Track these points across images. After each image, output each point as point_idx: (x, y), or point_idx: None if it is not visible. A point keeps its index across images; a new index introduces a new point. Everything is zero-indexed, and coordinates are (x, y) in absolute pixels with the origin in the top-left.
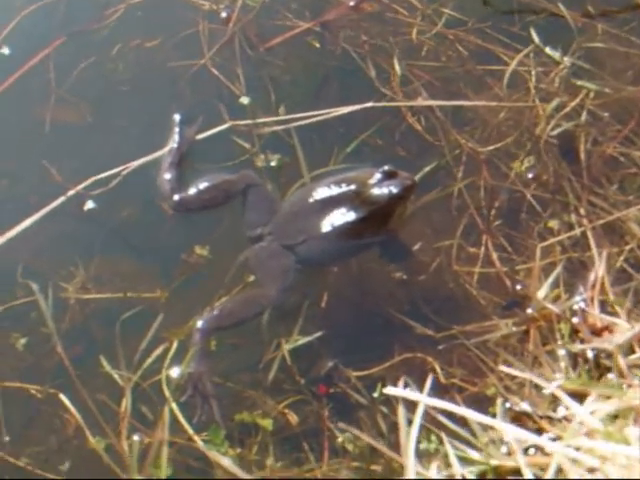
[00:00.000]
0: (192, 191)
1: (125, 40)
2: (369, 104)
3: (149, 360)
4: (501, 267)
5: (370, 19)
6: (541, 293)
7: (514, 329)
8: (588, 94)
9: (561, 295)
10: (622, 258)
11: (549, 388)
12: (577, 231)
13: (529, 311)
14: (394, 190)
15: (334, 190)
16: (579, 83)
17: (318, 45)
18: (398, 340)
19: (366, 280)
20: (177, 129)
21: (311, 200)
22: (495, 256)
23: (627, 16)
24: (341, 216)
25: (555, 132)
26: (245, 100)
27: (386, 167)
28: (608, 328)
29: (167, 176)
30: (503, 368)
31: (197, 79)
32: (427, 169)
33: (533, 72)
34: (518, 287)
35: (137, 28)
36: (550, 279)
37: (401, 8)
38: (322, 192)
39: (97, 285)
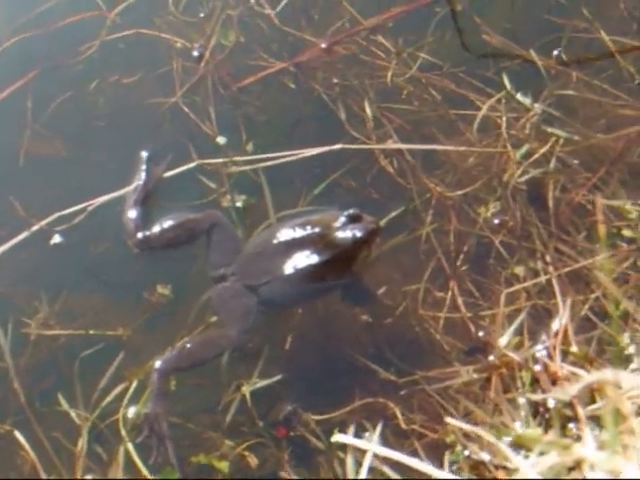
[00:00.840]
0: (156, 229)
1: (103, 76)
2: (338, 146)
3: (107, 399)
4: (466, 312)
5: (345, 61)
6: (503, 340)
7: (475, 376)
8: (558, 141)
9: (524, 342)
10: (587, 307)
11: (496, 440)
12: (542, 278)
13: (491, 358)
14: (358, 234)
15: (298, 232)
16: (549, 130)
17: (293, 86)
18: (360, 384)
19: (331, 323)
20: (144, 166)
21: (275, 241)
22: (461, 301)
23: (602, 64)
24: (305, 258)
25: (524, 178)
26: (221, 140)
27: (351, 210)
28: (569, 377)
29: (131, 214)
30: (453, 422)
31: (170, 117)
32: (394, 213)
33: (504, 118)
34: (481, 334)
35: (115, 64)
36: (513, 326)
37: (377, 50)
38: (286, 233)
39: (60, 321)
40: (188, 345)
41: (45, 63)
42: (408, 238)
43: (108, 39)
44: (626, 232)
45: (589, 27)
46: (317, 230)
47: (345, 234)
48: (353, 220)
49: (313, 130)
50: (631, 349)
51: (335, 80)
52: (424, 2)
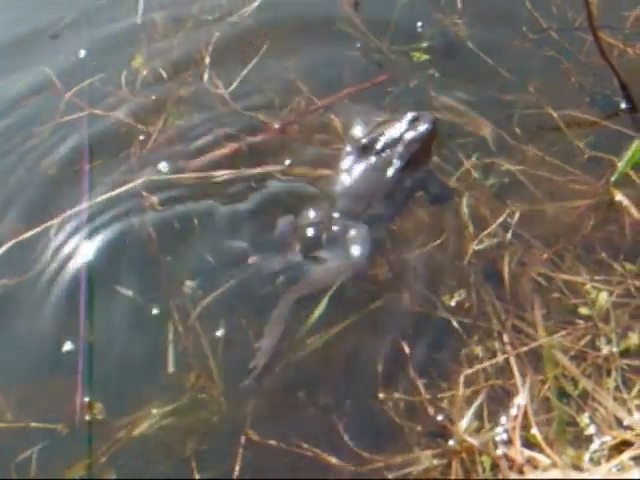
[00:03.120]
0: None
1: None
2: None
3: None
4: (425, 395)
5: (300, 140)
6: (463, 424)
7: (436, 462)
8: (513, 214)
9: (484, 425)
10: (547, 386)
11: None
12: (500, 358)
13: (451, 442)
14: (429, 127)
15: (371, 151)
16: (503, 204)
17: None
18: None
19: (287, 410)
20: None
21: (356, 169)
22: (420, 383)
23: (553, 138)
24: (391, 167)
25: (479, 255)
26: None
27: (410, 114)
28: (529, 462)
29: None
30: None
31: None
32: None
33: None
34: (440, 417)
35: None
36: (472, 409)
37: (330, 129)
38: (362, 159)
39: None
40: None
41: None
42: (363, 314)
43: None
44: (583, 309)
45: (542, 101)
46: (388, 140)
47: (417, 131)
48: (416, 119)
49: None
50: (591, 429)
51: (288, 161)
52: (377, 81)
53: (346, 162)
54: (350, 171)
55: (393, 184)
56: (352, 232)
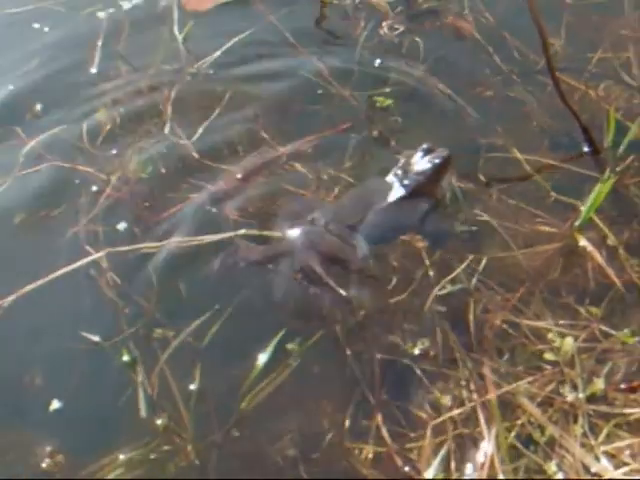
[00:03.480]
0: None
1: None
2: None
3: None
4: (392, 444)
5: (263, 188)
6: (429, 474)
7: None
8: (479, 260)
9: (451, 475)
10: (513, 434)
11: None
12: (467, 406)
13: None
14: (436, 160)
15: (383, 179)
16: (469, 249)
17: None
18: None
19: (255, 461)
20: None
21: (365, 189)
22: (387, 433)
23: (519, 181)
24: (394, 192)
25: (444, 302)
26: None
27: (424, 145)
28: None
29: None
30: None
31: None
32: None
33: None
34: (407, 468)
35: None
36: (438, 458)
37: (295, 177)
38: (373, 182)
39: None
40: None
41: None
42: (331, 364)
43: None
44: (548, 355)
45: (506, 144)
46: (400, 170)
47: (425, 164)
48: (430, 152)
49: None
50: (559, 476)
51: (250, 209)
52: (339, 128)
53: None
54: (360, 189)
55: (391, 210)
56: (350, 236)
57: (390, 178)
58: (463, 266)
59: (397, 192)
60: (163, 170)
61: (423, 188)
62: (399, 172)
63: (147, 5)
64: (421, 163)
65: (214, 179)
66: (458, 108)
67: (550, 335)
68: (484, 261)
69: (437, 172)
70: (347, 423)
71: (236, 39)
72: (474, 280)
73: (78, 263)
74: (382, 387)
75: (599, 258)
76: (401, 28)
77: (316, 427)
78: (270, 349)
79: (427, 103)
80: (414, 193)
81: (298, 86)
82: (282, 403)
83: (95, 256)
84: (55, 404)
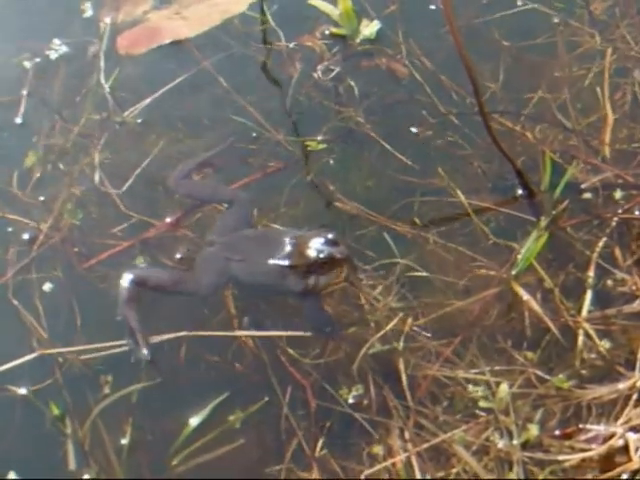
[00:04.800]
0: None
1: None
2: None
3: None
4: None
5: (198, 230)
6: None
7: None
8: (413, 309)
9: None
10: None
11: None
12: (402, 456)
13: None
14: (321, 254)
15: (285, 236)
16: (401, 305)
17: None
18: None
19: None
20: None
21: (264, 235)
22: None
23: (456, 224)
24: (275, 256)
25: (376, 354)
26: None
27: (330, 235)
28: None
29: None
30: None
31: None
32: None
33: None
34: None
35: None
36: None
37: None
38: (276, 233)
39: None
40: (162, 271)
41: None
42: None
43: None
44: (482, 403)
45: (444, 187)
46: (298, 240)
47: (312, 250)
48: (331, 244)
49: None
50: None
51: (178, 255)
52: (270, 170)
53: (270, 228)
54: (262, 232)
55: (264, 268)
56: (218, 265)
57: (284, 240)
58: (393, 323)
59: (279, 259)
60: (95, 216)
61: (301, 270)
62: (293, 242)
63: (75, 53)
64: (314, 249)
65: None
66: (395, 150)
67: (485, 381)
68: (418, 309)
69: (322, 266)
70: (284, 473)
71: (169, 85)
72: (407, 328)
73: None
74: (319, 438)
75: (535, 305)
76: (337, 69)
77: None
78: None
79: (362, 145)
80: (292, 270)
81: (230, 129)
82: (215, 455)
83: None
84: None
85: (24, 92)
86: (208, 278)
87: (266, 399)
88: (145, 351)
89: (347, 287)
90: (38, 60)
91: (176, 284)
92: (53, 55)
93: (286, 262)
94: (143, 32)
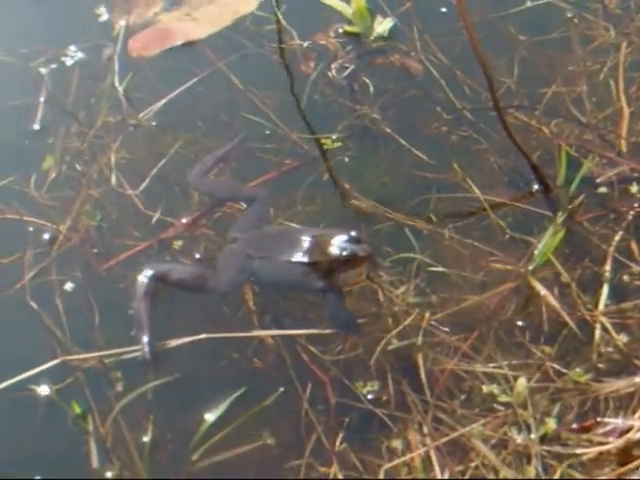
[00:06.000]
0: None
1: None
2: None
3: None
4: None
5: (216, 230)
6: None
7: None
8: (434, 309)
9: None
10: (467, 476)
11: None
12: (421, 451)
13: None
14: (344, 252)
15: (307, 234)
16: (419, 300)
17: None
18: None
19: None
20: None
21: (287, 233)
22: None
23: (473, 219)
24: (297, 254)
25: (396, 348)
26: None
27: (353, 233)
28: None
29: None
30: None
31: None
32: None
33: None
34: None
35: None
36: None
37: None
38: (298, 232)
39: None
40: (182, 267)
41: None
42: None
43: None
44: (502, 397)
45: (460, 182)
46: (321, 238)
47: (335, 248)
48: (354, 241)
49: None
50: None
51: (197, 255)
52: (285, 169)
53: (292, 226)
54: (284, 229)
55: (286, 265)
56: (239, 262)
57: (305, 238)
58: (411, 318)
59: (301, 256)
60: (113, 217)
61: (323, 268)
62: (315, 240)
63: (90, 57)
64: (337, 247)
65: (161, 225)
66: (411, 146)
67: (504, 376)
68: (437, 304)
69: (344, 264)
70: (304, 468)
71: (183, 87)
72: (424, 323)
73: None
74: (338, 432)
75: (552, 300)
76: (351, 67)
77: (270, 472)
78: (224, 403)
79: (378, 142)
80: (314, 267)
81: (243, 127)
82: (236, 452)
83: None
84: None
85: (41, 99)
86: (229, 275)
87: (282, 389)
88: (147, 349)
89: (365, 283)
90: (54, 66)
91: (197, 280)
92: (69, 62)
93: (309, 259)
94: (154, 34)
